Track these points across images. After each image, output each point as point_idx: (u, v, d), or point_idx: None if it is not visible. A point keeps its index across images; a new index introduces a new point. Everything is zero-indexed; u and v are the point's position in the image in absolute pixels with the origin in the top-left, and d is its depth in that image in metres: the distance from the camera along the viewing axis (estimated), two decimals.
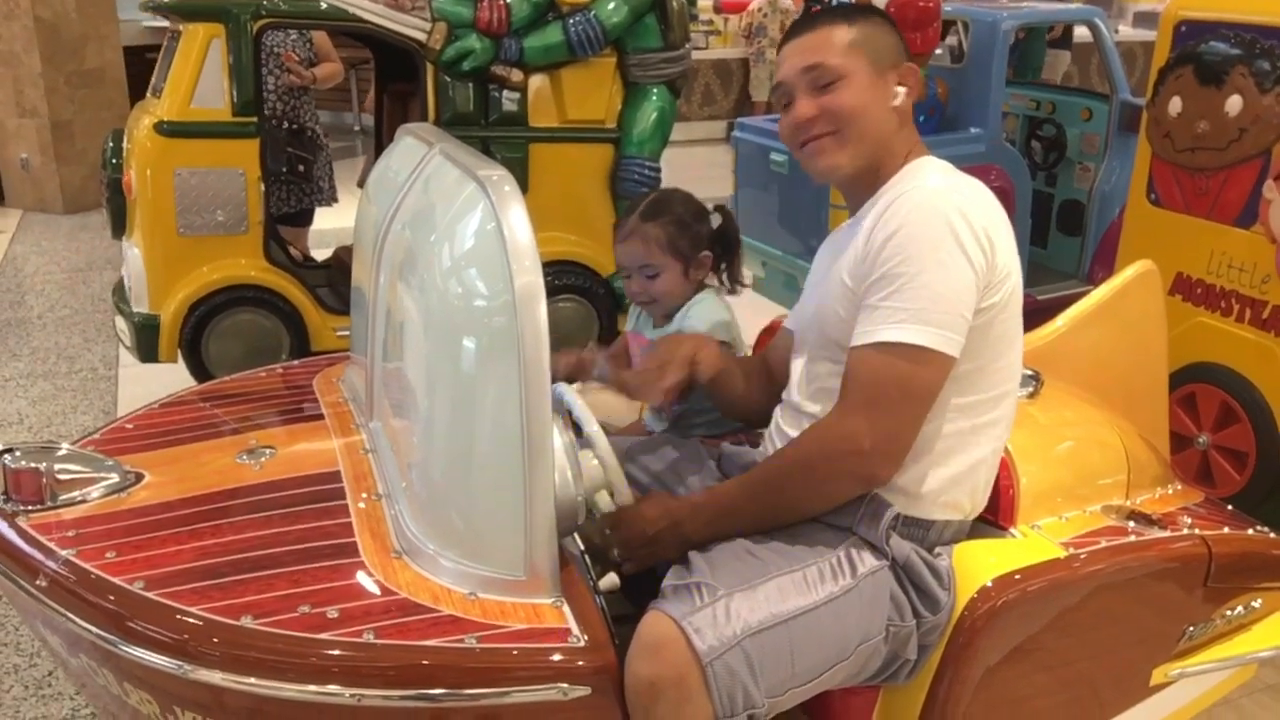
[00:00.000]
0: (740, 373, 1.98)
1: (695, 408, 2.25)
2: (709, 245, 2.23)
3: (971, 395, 1.64)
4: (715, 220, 2.26)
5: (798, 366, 1.79)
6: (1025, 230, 4.66)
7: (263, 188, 3.48)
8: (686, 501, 1.69)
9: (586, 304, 3.93)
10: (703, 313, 2.22)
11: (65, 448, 1.80)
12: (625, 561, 1.67)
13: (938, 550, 1.69)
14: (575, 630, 1.48)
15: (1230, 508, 2.19)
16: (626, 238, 2.21)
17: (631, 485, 1.73)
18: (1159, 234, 3.12)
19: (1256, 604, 2.09)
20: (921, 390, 1.55)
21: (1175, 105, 3.03)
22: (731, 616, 1.48)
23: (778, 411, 1.83)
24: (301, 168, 4.46)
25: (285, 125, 4.42)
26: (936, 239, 1.54)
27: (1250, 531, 2.07)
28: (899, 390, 1.54)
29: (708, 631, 1.45)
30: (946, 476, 1.66)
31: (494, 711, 1.45)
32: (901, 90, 1.69)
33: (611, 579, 1.64)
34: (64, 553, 1.57)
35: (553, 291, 3.76)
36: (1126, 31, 11.93)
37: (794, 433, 1.74)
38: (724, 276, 2.31)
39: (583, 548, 1.67)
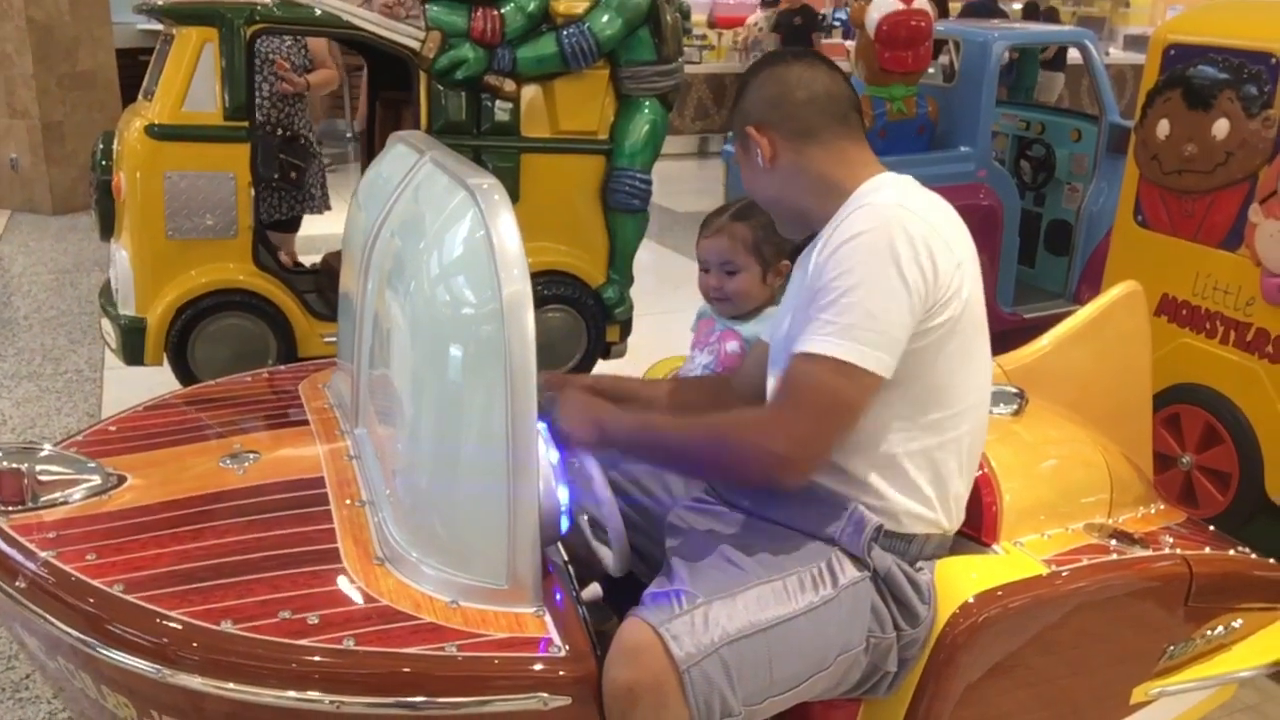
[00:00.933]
0: (668, 393, 2.05)
1: None
2: (790, 256, 2.26)
3: (934, 413, 1.64)
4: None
5: (771, 384, 1.79)
6: (1013, 249, 4.69)
7: (253, 192, 3.47)
8: (616, 410, 1.73)
9: (575, 314, 3.93)
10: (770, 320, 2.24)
11: (47, 449, 1.80)
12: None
13: (919, 564, 1.69)
14: (557, 640, 1.48)
15: (1212, 528, 2.20)
16: (715, 233, 2.25)
17: (616, 493, 1.73)
18: (1145, 255, 3.14)
19: (1237, 624, 2.10)
20: (841, 404, 1.55)
21: (1163, 128, 3.05)
22: (710, 624, 1.48)
23: None
24: (294, 174, 4.45)
25: (278, 132, 4.42)
26: (875, 256, 1.54)
27: (1231, 552, 2.08)
28: (819, 401, 1.54)
29: (686, 639, 1.45)
30: (919, 494, 1.67)
31: None
32: (759, 149, 1.72)
33: (594, 589, 1.64)
34: (44, 554, 1.56)
35: (542, 302, 3.76)
36: (1117, 54, 12.03)
37: None
38: None
39: (565, 557, 1.67)
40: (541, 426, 1.56)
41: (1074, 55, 7.24)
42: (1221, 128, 2.88)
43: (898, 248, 1.53)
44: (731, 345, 2.25)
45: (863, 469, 1.65)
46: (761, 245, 2.22)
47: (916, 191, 1.66)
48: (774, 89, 1.73)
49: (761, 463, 1.57)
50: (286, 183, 4.43)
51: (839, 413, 1.55)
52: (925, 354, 1.59)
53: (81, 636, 1.47)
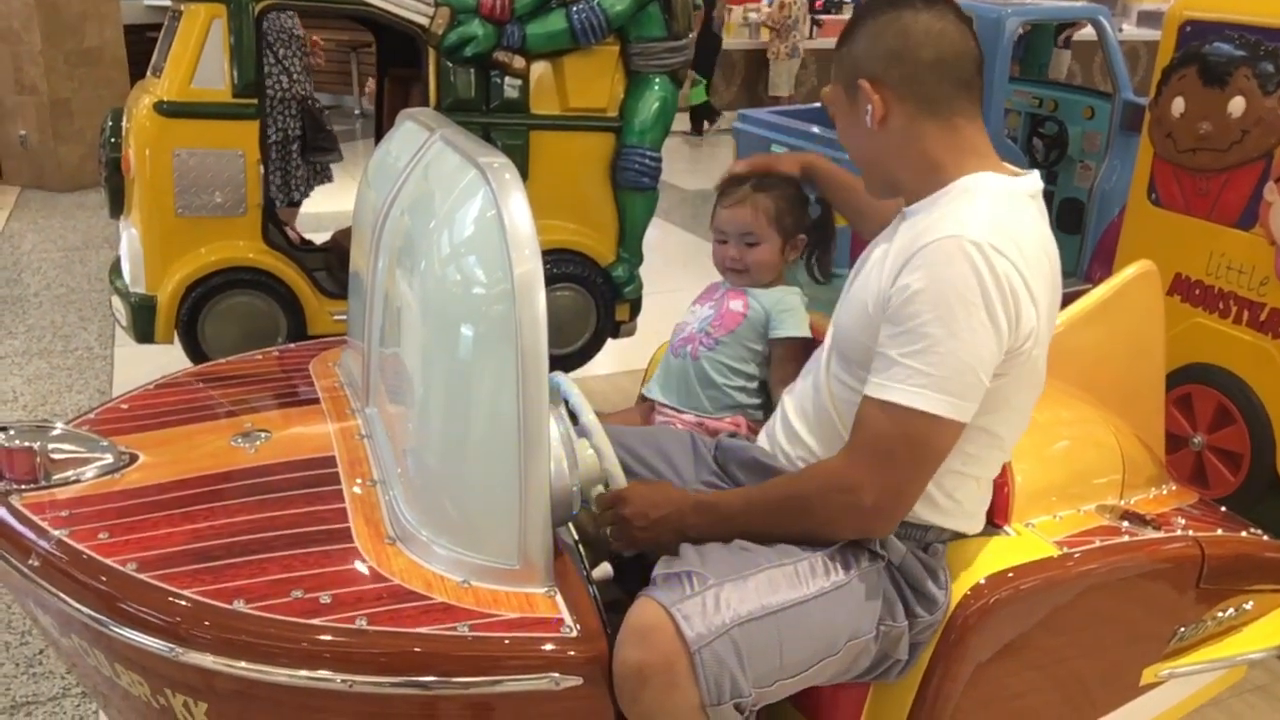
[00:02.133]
0: (857, 192, 2.00)
1: (705, 379, 2.25)
2: (808, 231, 2.26)
3: (989, 426, 1.62)
4: (815, 211, 2.29)
5: (813, 366, 1.77)
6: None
7: (262, 170, 3.46)
8: (692, 497, 1.68)
9: (585, 293, 3.91)
10: (780, 297, 2.23)
11: (60, 427, 1.80)
12: (616, 541, 1.67)
13: (934, 549, 1.69)
14: (568, 620, 1.48)
15: (1224, 509, 2.20)
16: (737, 203, 2.23)
17: (626, 474, 1.73)
18: (1159, 234, 3.11)
19: (1248, 606, 2.10)
20: (932, 456, 1.54)
21: (1178, 105, 3.02)
22: (721, 605, 1.48)
23: (785, 408, 1.83)
24: (327, 148, 4.55)
25: (314, 104, 4.55)
26: (966, 303, 1.47)
27: (1243, 534, 2.08)
28: (909, 454, 1.52)
29: (697, 619, 1.45)
30: (946, 507, 1.67)
31: (485, 700, 1.45)
32: (870, 107, 1.60)
33: (605, 569, 1.63)
34: (56, 533, 1.56)
35: (551, 280, 3.74)
36: (1130, 30, 11.92)
37: (790, 449, 1.77)
38: (815, 265, 2.32)
39: (577, 537, 1.67)
40: (559, 395, 1.55)
41: (1084, 31, 7.18)
42: (1237, 105, 2.85)
43: (988, 293, 1.47)
44: (736, 304, 2.23)
45: None
46: (784, 217, 2.22)
47: (1010, 216, 1.54)
48: (897, 40, 1.58)
49: (852, 519, 1.57)
50: (318, 154, 4.49)
51: (929, 463, 1.55)
52: (991, 392, 1.54)
53: (94, 615, 1.48)
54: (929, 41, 1.57)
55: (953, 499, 1.67)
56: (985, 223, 1.51)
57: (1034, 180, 1.64)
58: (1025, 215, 1.58)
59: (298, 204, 4.65)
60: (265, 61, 4.26)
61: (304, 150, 4.51)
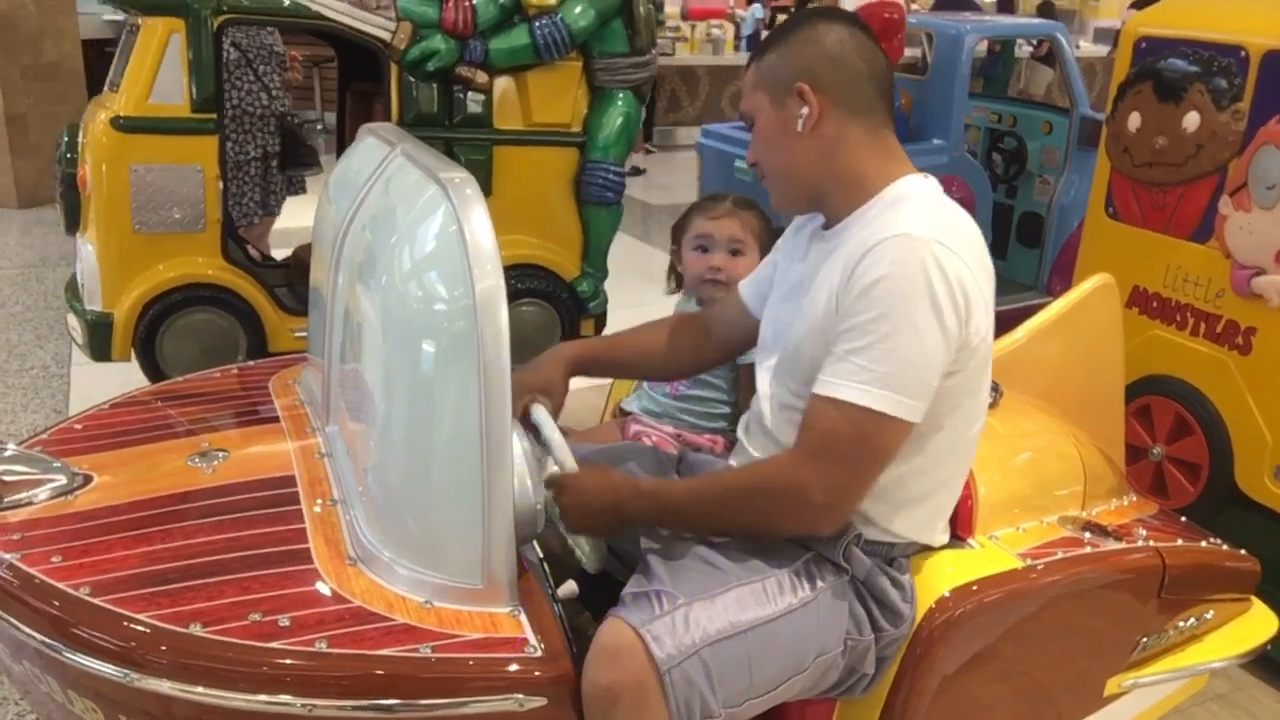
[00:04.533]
0: (642, 347, 2.00)
1: (688, 394, 2.31)
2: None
3: (941, 436, 1.62)
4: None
5: (764, 378, 1.75)
6: (985, 242, 4.70)
7: (221, 185, 3.42)
8: (632, 484, 1.66)
9: (550, 308, 3.90)
10: None
11: (11, 448, 1.76)
12: (566, 529, 1.67)
13: (898, 563, 1.69)
14: (532, 640, 1.46)
15: (1184, 519, 2.22)
16: (725, 214, 2.29)
17: None
18: (1117, 247, 3.15)
19: (1209, 615, 2.11)
20: (879, 454, 1.53)
21: (1134, 121, 3.06)
22: (691, 625, 1.47)
23: (746, 423, 1.82)
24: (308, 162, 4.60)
25: (294, 119, 4.58)
26: (914, 300, 1.47)
27: (1203, 543, 2.10)
28: (855, 451, 1.51)
29: (666, 639, 1.44)
30: (909, 515, 1.66)
31: None
32: (806, 110, 1.60)
33: (570, 587, 1.63)
34: (8, 556, 1.53)
35: (515, 295, 3.74)
36: (1087, 47, 12.10)
37: (761, 456, 1.74)
38: None
39: (541, 555, 1.65)
40: (515, 423, 1.54)
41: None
42: (1192, 120, 2.89)
43: (936, 292, 1.47)
44: None
45: None
46: (763, 234, 2.29)
47: (945, 213, 1.59)
48: (835, 48, 1.60)
49: (798, 516, 1.56)
50: (299, 167, 4.50)
51: (875, 461, 1.54)
52: (939, 392, 1.55)
53: (47, 640, 1.45)
54: (860, 52, 1.62)
55: (914, 508, 1.66)
56: (929, 223, 1.53)
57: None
58: (959, 213, 1.61)
59: (275, 214, 4.66)
60: (245, 78, 4.31)
61: (283, 165, 4.56)
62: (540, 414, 1.77)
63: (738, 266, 2.25)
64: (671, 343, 1.99)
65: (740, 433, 1.83)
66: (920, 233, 1.50)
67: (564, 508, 1.63)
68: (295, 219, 4.84)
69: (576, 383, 1.98)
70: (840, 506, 1.56)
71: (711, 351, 1.98)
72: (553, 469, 1.67)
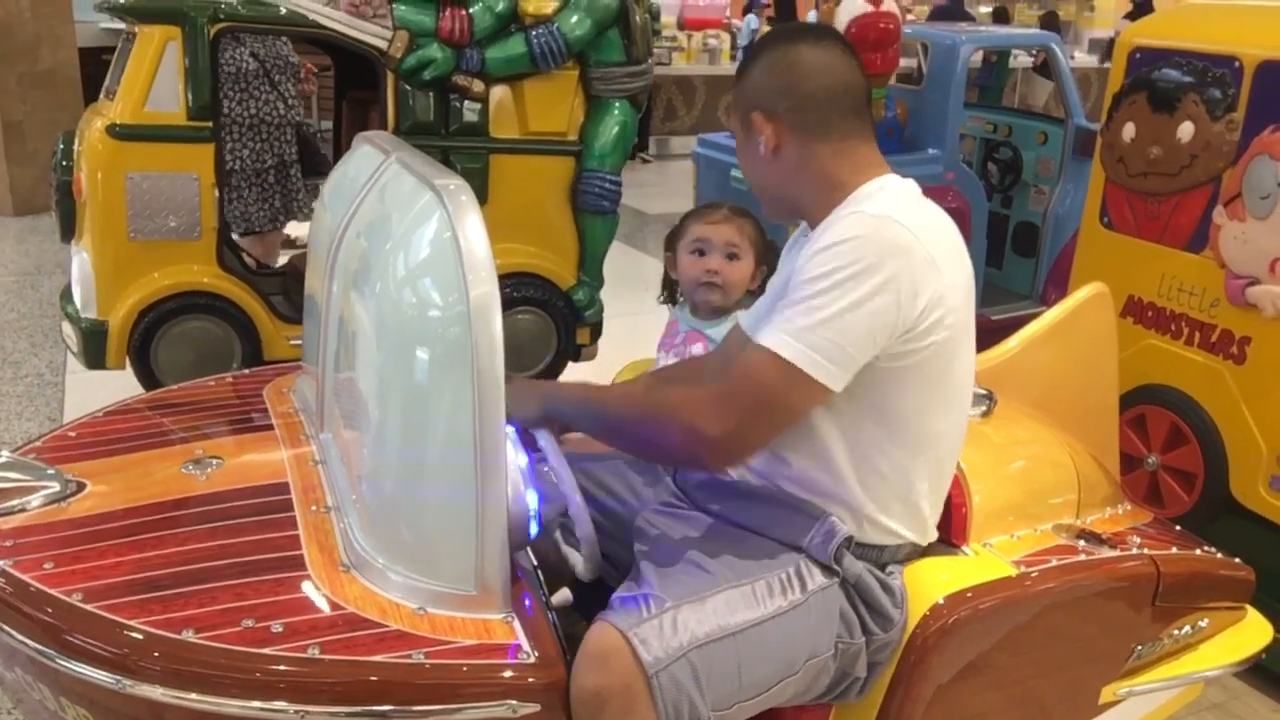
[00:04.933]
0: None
1: None
2: (770, 264, 2.30)
3: (908, 434, 1.62)
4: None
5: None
6: (981, 251, 4.71)
7: (216, 193, 3.42)
8: (560, 385, 1.75)
9: (546, 317, 3.90)
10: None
11: (4, 455, 1.76)
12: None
13: (890, 569, 1.69)
14: (525, 646, 1.46)
15: (1178, 528, 2.22)
16: (723, 220, 2.30)
17: (585, 498, 1.71)
18: (1111, 257, 3.16)
19: (1203, 623, 2.11)
20: (778, 403, 1.51)
21: (1129, 131, 3.07)
22: (679, 628, 1.47)
23: None
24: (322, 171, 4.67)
25: (308, 128, 4.72)
26: (853, 268, 1.47)
27: (1198, 552, 2.10)
28: (756, 395, 1.51)
29: (654, 643, 1.44)
30: (888, 510, 1.66)
31: None
32: (762, 139, 1.65)
33: (565, 594, 1.63)
34: (0, 563, 1.52)
35: (512, 304, 3.74)
36: (1081, 57, 12.14)
37: (759, 464, 1.71)
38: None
39: (535, 563, 1.65)
40: (510, 430, 1.54)
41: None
42: (1186, 131, 2.91)
43: (881, 264, 1.48)
44: (696, 348, 2.26)
45: (831, 482, 1.63)
46: (760, 242, 2.30)
47: (915, 202, 1.61)
48: (784, 75, 1.64)
49: (688, 442, 1.53)
50: (319, 176, 4.60)
51: (774, 411, 1.52)
52: (902, 375, 1.55)
53: (39, 647, 1.44)
54: (813, 73, 1.63)
55: (893, 513, 1.66)
56: (892, 206, 1.56)
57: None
58: (932, 209, 1.62)
59: (298, 218, 4.75)
60: (262, 88, 4.40)
61: (305, 173, 4.67)
62: (545, 438, 1.76)
63: (734, 271, 2.26)
64: None
65: None
66: (877, 211, 1.54)
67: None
68: (293, 227, 4.85)
69: (583, 368, 1.99)
70: (730, 448, 1.54)
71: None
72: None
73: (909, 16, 7.43)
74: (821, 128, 1.63)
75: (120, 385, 3.44)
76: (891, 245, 1.50)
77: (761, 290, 2.30)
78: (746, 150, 1.71)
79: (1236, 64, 2.77)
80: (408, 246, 1.65)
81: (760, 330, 1.55)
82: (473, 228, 1.48)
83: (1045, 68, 8.85)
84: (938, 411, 1.64)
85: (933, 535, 1.76)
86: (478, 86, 3.60)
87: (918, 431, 1.63)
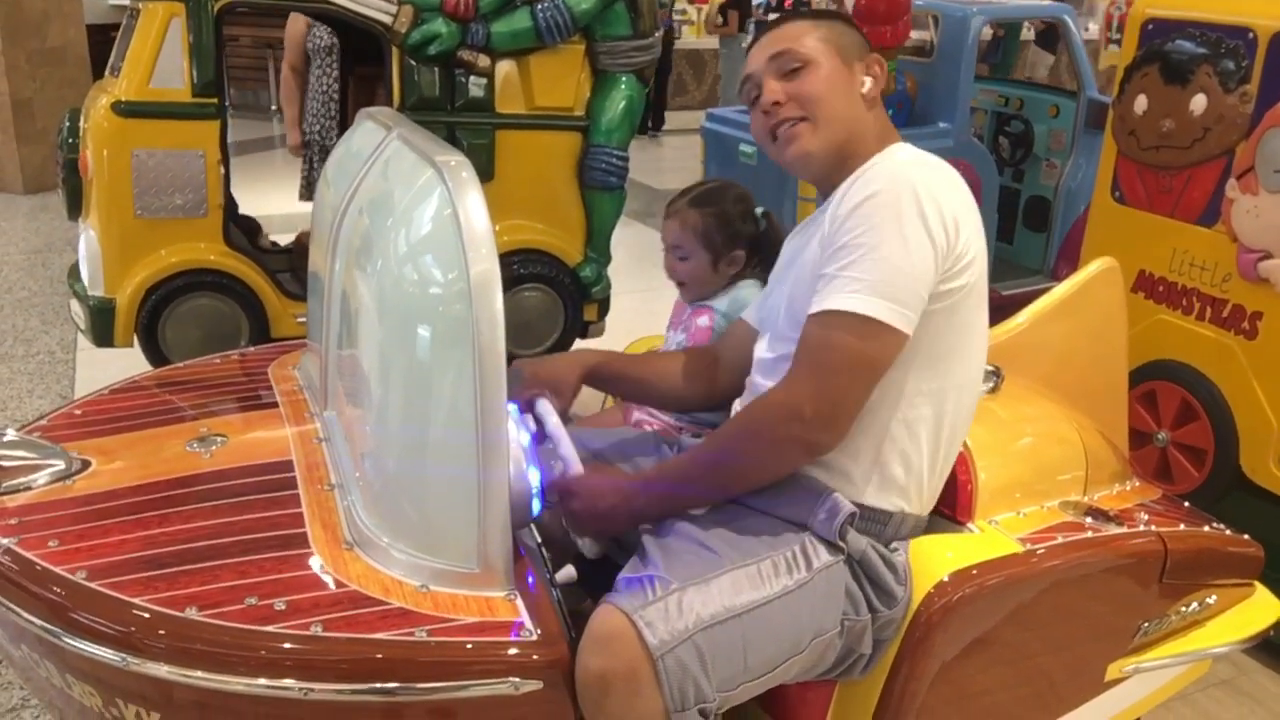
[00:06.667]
0: (660, 370, 2.00)
1: None
2: (747, 246, 2.25)
3: (934, 382, 1.63)
4: (761, 225, 2.29)
5: (761, 349, 1.78)
6: (992, 226, 4.69)
7: (222, 170, 3.42)
8: (638, 480, 1.69)
9: (553, 293, 3.89)
10: (740, 296, 2.24)
11: (10, 433, 1.76)
12: (572, 530, 1.68)
13: (894, 545, 1.69)
14: (528, 623, 1.46)
15: (1187, 505, 2.21)
16: (669, 216, 2.27)
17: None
18: (1123, 231, 3.13)
19: (1211, 600, 2.11)
20: (868, 361, 1.53)
21: (1141, 103, 3.03)
22: (684, 610, 1.47)
23: (741, 398, 1.82)
24: None
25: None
26: (901, 211, 1.53)
27: (1206, 528, 2.09)
28: (845, 359, 1.52)
29: (659, 625, 1.44)
30: (903, 463, 1.65)
31: (445, 706, 1.43)
32: (869, 80, 1.71)
33: (569, 572, 1.62)
34: (5, 541, 1.53)
35: (519, 280, 3.73)
36: (1095, 30, 12.01)
37: None
38: (759, 275, 2.31)
39: (540, 540, 1.65)
40: (512, 408, 1.54)
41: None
42: (1199, 103, 2.87)
43: (922, 202, 1.53)
44: (702, 320, 2.25)
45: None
46: (712, 233, 2.22)
47: (931, 161, 1.67)
48: (859, 34, 1.75)
49: (797, 433, 1.54)
50: None
51: (867, 369, 1.54)
52: (937, 318, 1.57)
53: (45, 625, 1.45)
54: None
55: (900, 470, 1.65)
56: (912, 158, 1.66)
57: None
58: (946, 166, 1.67)
59: None
60: (332, 65, 4.48)
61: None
62: (545, 408, 1.77)
63: (685, 270, 2.26)
64: (688, 370, 1.99)
65: (736, 407, 1.82)
66: (904, 158, 1.64)
67: (574, 514, 1.65)
68: (301, 204, 4.84)
69: (590, 345, 1.98)
70: (833, 416, 1.54)
71: (725, 379, 1.95)
72: (557, 467, 1.67)
73: None
74: (885, 80, 1.76)
75: (131, 363, 3.45)
76: (926, 184, 1.56)
77: (748, 268, 2.28)
78: (845, 82, 1.69)
79: (1250, 35, 2.74)
80: (409, 223, 1.64)
81: (823, 297, 1.55)
82: (473, 204, 1.47)
83: (1045, 39, 8.73)
84: (965, 362, 1.66)
85: (931, 503, 1.76)
86: (483, 61, 3.58)
87: (945, 381, 1.64)
